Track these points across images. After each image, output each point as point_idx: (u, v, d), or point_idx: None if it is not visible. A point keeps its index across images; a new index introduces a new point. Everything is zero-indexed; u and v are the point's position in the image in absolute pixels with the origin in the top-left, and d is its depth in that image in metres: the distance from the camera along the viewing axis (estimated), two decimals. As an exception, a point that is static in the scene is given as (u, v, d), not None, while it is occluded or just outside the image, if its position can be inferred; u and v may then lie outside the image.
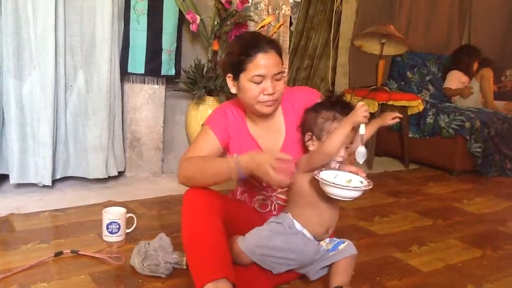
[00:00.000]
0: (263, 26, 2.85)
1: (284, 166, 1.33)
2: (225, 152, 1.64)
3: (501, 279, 1.81)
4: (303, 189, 1.49)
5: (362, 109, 1.39)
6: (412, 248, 2.06)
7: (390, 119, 1.59)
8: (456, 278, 1.79)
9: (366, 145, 1.47)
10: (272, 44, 1.52)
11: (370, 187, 1.38)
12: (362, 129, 1.42)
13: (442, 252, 2.04)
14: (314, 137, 1.52)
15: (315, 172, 1.40)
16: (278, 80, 1.52)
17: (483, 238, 2.26)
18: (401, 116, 1.63)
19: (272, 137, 1.63)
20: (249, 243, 1.48)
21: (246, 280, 1.42)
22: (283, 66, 1.69)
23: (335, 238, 1.58)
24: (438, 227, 2.38)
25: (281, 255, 1.47)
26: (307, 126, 1.54)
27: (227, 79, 1.57)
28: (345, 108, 1.50)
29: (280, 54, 1.53)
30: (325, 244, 1.55)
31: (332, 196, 1.37)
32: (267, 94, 1.50)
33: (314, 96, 1.64)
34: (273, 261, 1.48)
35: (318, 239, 1.53)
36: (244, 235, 1.52)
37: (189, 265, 1.38)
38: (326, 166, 1.46)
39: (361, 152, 1.45)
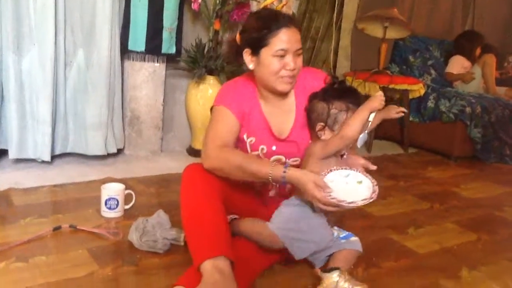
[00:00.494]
0: (265, 6, 2.82)
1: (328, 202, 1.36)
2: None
3: (495, 263, 1.83)
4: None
5: (381, 97, 1.44)
6: (409, 230, 2.07)
7: (395, 112, 1.58)
8: (451, 261, 1.81)
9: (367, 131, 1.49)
10: (294, 20, 1.52)
11: (373, 199, 1.40)
12: (371, 117, 1.44)
13: (439, 235, 2.05)
14: (327, 127, 1.51)
15: (322, 174, 1.40)
16: (299, 55, 1.52)
17: (479, 223, 2.27)
18: (406, 111, 1.63)
19: (283, 118, 1.62)
20: (280, 226, 1.48)
21: (244, 259, 1.43)
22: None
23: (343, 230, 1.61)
24: (435, 210, 2.39)
25: (305, 238, 1.48)
26: (320, 117, 1.52)
27: (244, 54, 1.55)
28: (356, 97, 1.51)
29: (300, 30, 1.54)
30: (336, 231, 1.57)
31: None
32: (288, 70, 1.50)
33: (320, 81, 1.62)
34: (299, 245, 1.48)
35: (330, 225, 1.55)
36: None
37: (188, 242, 1.39)
38: (338, 152, 1.50)
39: (362, 138, 1.47)
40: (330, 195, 1.34)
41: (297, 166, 1.66)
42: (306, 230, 1.47)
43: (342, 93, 1.52)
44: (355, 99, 1.51)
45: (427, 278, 1.64)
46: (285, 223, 1.48)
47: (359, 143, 1.49)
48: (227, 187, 1.51)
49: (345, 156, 1.54)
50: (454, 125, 3.52)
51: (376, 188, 1.41)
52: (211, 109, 1.62)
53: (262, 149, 1.61)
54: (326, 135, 1.52)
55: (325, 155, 1.48)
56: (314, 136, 1.56)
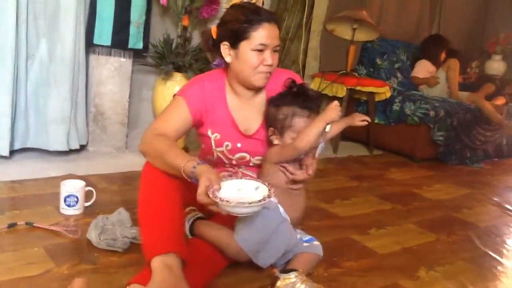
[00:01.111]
0: (235, 4, 2.81)
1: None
2: (199, 125, 1.59)
3: (452, 263, 1.87)
4: (273, 178, 1.51)
5: (336, 108, 1.45)
6: (371, 231, 2.10)
7: (359, 120, 1.61)
8: (410, 260, 1.85)
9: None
10: (274, 17, 1.53)
11: (265, 201, 1.24)
12: (328, 127, 1.46)
13: (399, 236, 2.09)
14: (276, 132, 1.53)
15: (211, 191, 1.19)
16: (276, 52, 1.53)
17: (439, 224, 2.33)
18: (369, 120, 1.65)
19: (251, 114, 1.61)
20: (247, 237, 1.42)
21: (200, 259, 1.42)
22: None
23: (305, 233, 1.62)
24: (397, 211, 2.44)
25: (272, 246, 1.46)
26: (269, 121, 1.55)
27: (222, 46, 1.54)
28: (307, 101, 1.51)
29: (279, 28, 1.54)
30: (299, 234, 1.58)
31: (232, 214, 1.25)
32: (266, 65, 1.50)
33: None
34: (264, 255, 1.46)
35: (294, 227, 1.56)
36: (232, 229, 1.46)
37: (141, 237, 1.36)
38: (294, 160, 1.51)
39: (320, 148, 1.50)
40: (214, 194, 1.19)
41: (260, 166, 1.66)
42: (273, 238, 1.45)
43: (295, 98, 1.52)
44: (306, 102, 1.51)
45: (386, 278, 1.67)
46: (252, 234, 1.42)
47: (317, 154, 1.51)
48: (187, 183, 1.46)
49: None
50: (418, 128, 3.60)
51: (269, 196, 1.27)
52: (174, 96, 1.59)
53: (227, 145, 1.60)
54: (276, 140, 1.54)
55: (279, 162, 1.50)
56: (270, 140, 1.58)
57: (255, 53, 1.48)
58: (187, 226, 1.58)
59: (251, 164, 1.66)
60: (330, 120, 1.44)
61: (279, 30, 1.54)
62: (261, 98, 1.62)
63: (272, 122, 1.54)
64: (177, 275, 1.26)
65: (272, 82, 1.59)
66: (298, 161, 1.53)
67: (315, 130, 1.44)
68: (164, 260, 1.26)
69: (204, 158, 1.69)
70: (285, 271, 1.43)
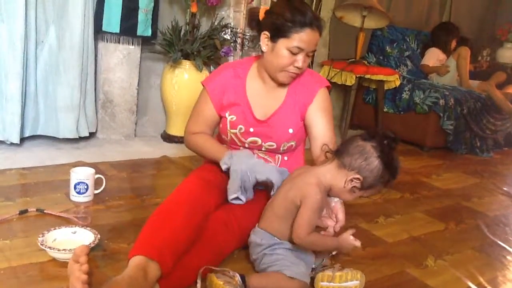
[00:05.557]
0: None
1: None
2: (221, 109, 1.70)
3: (461, 251, 1.87)
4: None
5: (351, 244, 1.38)
6: (379, 219, 2.10)
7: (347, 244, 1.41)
8: (418, 249, 1.85)
9: None
10: (320, 23, 1.55)
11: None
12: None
13: (407, 224, 2.09)
14: (360, 185, 1.38)
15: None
16: (309, 56, 1.57)
17: (448, 212, 2.32)
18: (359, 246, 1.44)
19: (268, 101, 1.68)
20: (294, 269, 1.36)
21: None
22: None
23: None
24: (406, 200, 2.43)
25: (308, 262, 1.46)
26: (361, 169, 1.36)
27: (262, 35, 1.58)
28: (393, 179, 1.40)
29: (321, 35, 1.57)
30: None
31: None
32: (295, 67, 1.55)
33: (320, 86, 1.69)
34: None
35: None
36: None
37: (142, 231, 1.30)
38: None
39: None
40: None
41: (273, 151, 1.70)
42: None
43: (392, 164, 1.37)
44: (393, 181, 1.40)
45: (394, 267, 1.67)
46: (295, 265, 1.38)
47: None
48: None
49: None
50: (427, 117, 3.57)
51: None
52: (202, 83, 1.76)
53: (240, 128, 1.67)
54: (351, 188, 1.39)
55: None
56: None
57: (289, 53, 1.53)
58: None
59: (263, 149, 1.71)
60: (342, 249, 1.43)
61: (321, 36, 1.57)
62: (283, 91, 1.68)
63: (364, 172, 1.36)
64: (149, 282, 1.18)
65: (297, 81, 1.67)
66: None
67: (326, 247, 1.43)
68: (146, 264, 1.19)
69: (220, 137, 1.79)
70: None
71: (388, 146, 1.36)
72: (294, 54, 1.53)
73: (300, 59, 1.53)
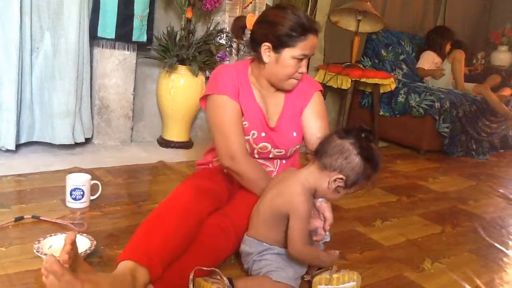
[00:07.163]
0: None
1: None
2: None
3: (458, 255, 1.87)
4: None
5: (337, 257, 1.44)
6: (376, 223, 2.10)
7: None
8: (415, 252, 1.84)
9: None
10: (317, 27, 1.56)
11: None
12: (327, 237, 1.53)
13: (404, 228, 2.09)
14: (344, 183, 1.36)
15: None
16: (307, 60, 1.59)
17: (444, 215, 2.32)
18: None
19: (272, 107, 1.69)
20: (285, 275, 1.37)
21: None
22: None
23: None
24: (402, 203, 2.43)
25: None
26: (344, 167, 1.33)
27: (263, 47, 1.55)
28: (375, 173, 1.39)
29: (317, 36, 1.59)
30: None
31: None
32: (299, 73, 1.57)
33: (314, 89, 1.72)
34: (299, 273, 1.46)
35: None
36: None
37: (133, 236, 1.29)
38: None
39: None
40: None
41: (281, 158, 1.72)
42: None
43: (373, 158, 1.36)
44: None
45: (391, 270, 1.67)
46: (287, 270, 1.38)
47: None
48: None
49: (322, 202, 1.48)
50: (423, 120, 3.58)
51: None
52: (203, 98, 1.65)
53: (253, 134, 1.65)
54: (335, 188, 1.38)
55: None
56: (318, 172, 1.38)
57: (294, 61, 1.54)
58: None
59: (270, 156, 1.70)
60: (326, 266, 1.45)
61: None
62: (281, 96, 1.69)
63: (346, 171, 1.34)
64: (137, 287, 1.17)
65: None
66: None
67: (318, 261, 1.43)
68: (137, 269, 1.17)
69: None
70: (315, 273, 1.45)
71: (366, 140, 1.34)
72: (299, 61, 1.54)
73: (304, 65, 1.57)
